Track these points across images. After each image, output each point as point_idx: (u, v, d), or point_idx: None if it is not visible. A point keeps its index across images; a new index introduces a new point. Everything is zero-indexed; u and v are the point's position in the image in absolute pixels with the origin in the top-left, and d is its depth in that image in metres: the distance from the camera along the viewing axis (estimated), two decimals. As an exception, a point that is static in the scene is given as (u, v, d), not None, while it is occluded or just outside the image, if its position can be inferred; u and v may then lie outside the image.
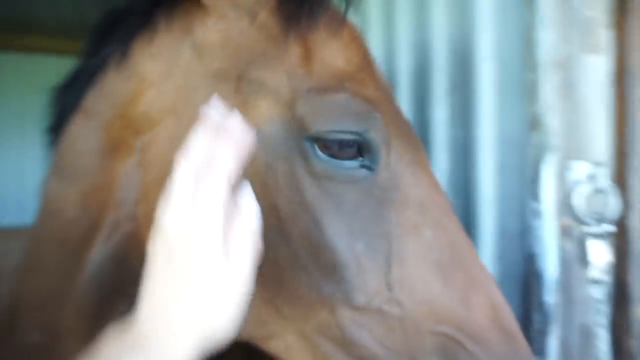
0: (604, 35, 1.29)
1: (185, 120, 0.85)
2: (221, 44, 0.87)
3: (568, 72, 1.27)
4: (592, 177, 1.28)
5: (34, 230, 1.11)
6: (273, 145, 0.81)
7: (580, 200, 1.27)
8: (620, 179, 1.33)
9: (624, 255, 1.33)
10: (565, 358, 1.28)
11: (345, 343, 0.79)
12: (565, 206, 1.28)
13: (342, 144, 0.81)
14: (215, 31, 0.88)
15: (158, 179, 0.85)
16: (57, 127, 1.09)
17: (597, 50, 1.29)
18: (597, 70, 1.29)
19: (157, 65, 0.91)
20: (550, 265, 1.28)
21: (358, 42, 0.93)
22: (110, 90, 0.96)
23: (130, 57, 0.94)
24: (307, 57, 0.85)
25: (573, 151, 1.28)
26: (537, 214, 1.29)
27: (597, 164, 1.28)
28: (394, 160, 0.83)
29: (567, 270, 1.28)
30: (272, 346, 0.88)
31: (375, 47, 1.89)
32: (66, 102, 1.07)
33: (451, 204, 0.90)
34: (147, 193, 0.89)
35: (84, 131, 1.01)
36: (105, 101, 0.97)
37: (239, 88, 0.84)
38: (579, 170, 1.28)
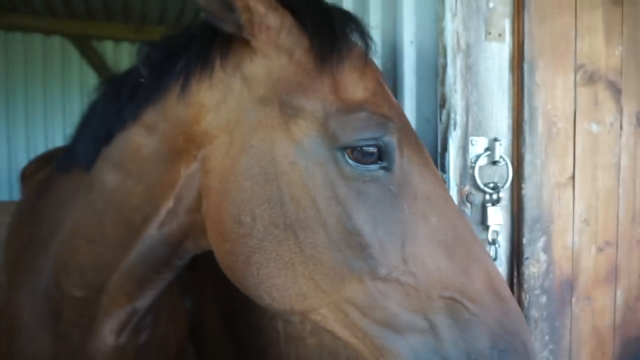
0: (504, 25, 1.47)
1: (237, 135, 1.08)
2: (265, 76, 1.08)
3: (471, 58, 1.45)
4: (490, 151, 1.46)
5: (87, 213, 1.38)
6: (311, 154, 1.03)
7: (479, 171, 1.46)
8: (517, 153, 1.52)
9: (519, 220, 1.53)
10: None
11: (370, 308, 1.00)
12: (467, 176, 1.47)
13: (365, 152, 1.01)
14: (261, 66, 1.09)
15: (219, 183, 1.10)
16: (105, 135, 1.32)
17: (498, 38, 1.46)
18: (497, 56, 1.47)
19: (214, 94, 1.13)
20: (452, 227, 1.46)
21: (373, 72, 1.15)
22: (173, 114, 1.18)
23: (190, 88, 1.15)
24: (335, 86, 1.06)
25: (474, 127, 1.46)
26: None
27: (495, 139, 1.47)
28: (405, 162, 1.05)
29: (467, 231, 1.47)
30: (312, 318, 1.09)
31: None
32: (120, 112, 1.28)
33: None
34: (209, 193, 1.13)
35: (147, 142, 1.24)
36: (168, 121, 1.19)
37: (282, 111, 1.06)
38: (479, 144, 1.46)
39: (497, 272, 1.05)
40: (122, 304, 1.47)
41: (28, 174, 2.77)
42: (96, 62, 6.65)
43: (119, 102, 1.29)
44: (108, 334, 1.52)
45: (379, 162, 1.02)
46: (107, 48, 6.80)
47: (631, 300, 1.78)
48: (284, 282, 1.06)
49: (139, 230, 1.31)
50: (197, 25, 1.17)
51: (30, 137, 6.55)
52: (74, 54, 6.67)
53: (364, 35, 1.15)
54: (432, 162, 1.13)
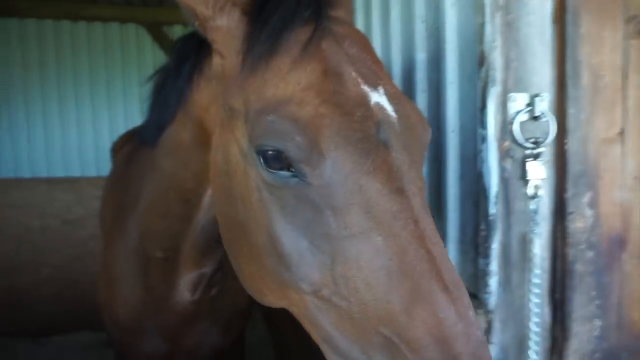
0: (545, -21, 1.45)
1: (216, 133, 1.17)
2: (219, 75, 1.15)
3: (511, 14, 1.46)
4: (530, 107, 1.47)
5: (155, 192, 1.60)
6: (246, 155, 1.00)
7: (519, 126, 1.47)
8: (560, 108, 1.52)
9: (562, 175, 1.53)
10: (506, 260, 1.52)
11: (313, 320, 0.93)
12: (507, 132, 1.49)
13: (273, 157, 0.92)
14: (219, 66, 1.16)
15: (214, 177, 1.19)
16: (158, 125, 1.50)
17: (538, -7, 1.46)
18: (538, 11, 1.47)
19: (206, 96, 1.24)
20: (493, 182, 1.50)
21: (319, 60, 0.96)
22: (191, 114, 1.32)
23: (192, 92, 1.29)
24: (262, 84, 0.98)
25: (514, 84, 1.48)
26: (483, 138, 1.51)
27: (536, 95, 1.47)
28: (328, 171, 0.89)
29: (507, 186, 1.50)
30: (295, 311, 1.01)
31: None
32: (162, 110, 1.46)
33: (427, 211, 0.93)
34: (213, 178, 1.21)
35: (185, 136, 1.37)
36: (189, 120, 1.33)
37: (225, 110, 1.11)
38: (519, 100, 1.48)
39: (452, 318, 0.83)
40: (192, 269, 1.69)
41: (117, 148, 3.11)
42: (168, 46, 7.06)
43: (159, 102, 1.47)
44: (185, 290, 1.75)
45: (291, 170, 0.92)
46: (177, 33, 7.19)
47: (692, 260, 1.72)
48: (248, 275, 1.09)
49: (197, 207, 1.47)
50: None
51: (112, 117, 7.18)
52: (147, 40, 7.15)
53: (320, 18, 1.00)
54: (387, 168, 0.91)
